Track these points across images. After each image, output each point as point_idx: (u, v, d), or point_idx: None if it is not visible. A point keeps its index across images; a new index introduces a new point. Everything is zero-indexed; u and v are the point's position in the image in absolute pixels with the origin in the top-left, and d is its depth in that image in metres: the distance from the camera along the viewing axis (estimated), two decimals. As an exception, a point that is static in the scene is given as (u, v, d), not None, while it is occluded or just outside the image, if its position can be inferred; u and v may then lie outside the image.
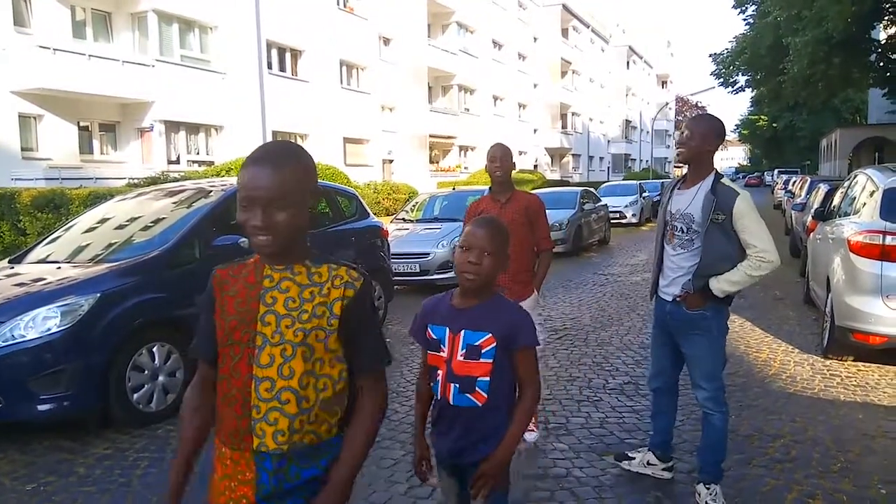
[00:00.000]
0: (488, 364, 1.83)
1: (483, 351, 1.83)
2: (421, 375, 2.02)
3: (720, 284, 2.92)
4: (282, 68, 22.17)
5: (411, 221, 11.07)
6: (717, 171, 3.03)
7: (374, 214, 7.93)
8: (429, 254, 9.24)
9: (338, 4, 24.63)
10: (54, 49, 14.95)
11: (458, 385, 1.85)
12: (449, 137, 31.56)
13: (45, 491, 3.42)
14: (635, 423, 4.14)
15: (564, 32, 46.11)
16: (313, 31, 22.80)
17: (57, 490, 3.42)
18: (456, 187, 13.81)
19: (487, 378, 1.83)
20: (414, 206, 12.12)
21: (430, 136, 29.74)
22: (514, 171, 3.77)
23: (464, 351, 1.84)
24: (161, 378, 4.43)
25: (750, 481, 3.32)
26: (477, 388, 1.84)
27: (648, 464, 3.36)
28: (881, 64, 20.74)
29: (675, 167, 76.88)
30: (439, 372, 1.88)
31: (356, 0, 25.84)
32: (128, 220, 5.70)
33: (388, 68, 27.24)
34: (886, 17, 19.37)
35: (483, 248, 1.83)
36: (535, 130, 42.68)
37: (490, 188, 3.83)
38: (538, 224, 3.66)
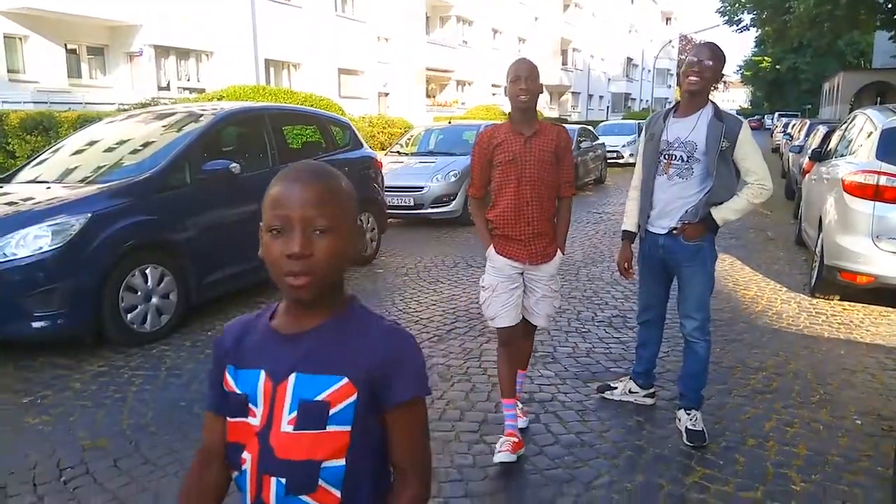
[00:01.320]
0: (342, 435, 1.00)
1: (332, 412, 1.00)
2: (199, 462, 1.15)
3: (724, 213, 2.93)
4: (274, -7, 21.36)
5: (406, 154, 10.95)
6: (712, 100, 2.98)
7: (367, 146, 7.82)
8: (423, 187, 9.18)
9: (333, -74, 23.56)
10: (37, -35, 14.32)
11: (283, 479, 1.01)
12: (446, 71, 30.86)
13: (41, 404, 3.49)
14: (621, 353, 4.22)
15: (568, -36, 44.51)
16: (308, -46, 21.87)
17: (53, 403, 3.49)
18: (452, 121, 13.60)
19: (341, 462, 1.00)
20: (409, 139, 11.96)
21: (427, 69, 29.07)
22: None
23: (293, 414, 1.00)
24: (154, 299, 4.46)
25: (730, 409, 3.42)
26: (321, 483, 1.01)
27: (630, 391, 3.45)
28: (889, 6, 20.22)
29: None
30: (246, 455, 1.04)
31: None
32: (117, 143, 5.61)
33: (382, -4, 26.33)
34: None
35: (310, 220, 0.98)
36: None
37: (510, 116, 2.89)
38: (564, 165, 2.92)
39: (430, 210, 9.14)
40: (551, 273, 2.94)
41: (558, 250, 2.95)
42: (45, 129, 8.36)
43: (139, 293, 4.37)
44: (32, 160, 5.72)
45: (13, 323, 3.98)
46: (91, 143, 5.71)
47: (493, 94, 35.34)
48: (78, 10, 15.23)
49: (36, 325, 4.00)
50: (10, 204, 4.50)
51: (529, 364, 3.97)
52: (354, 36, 24.72)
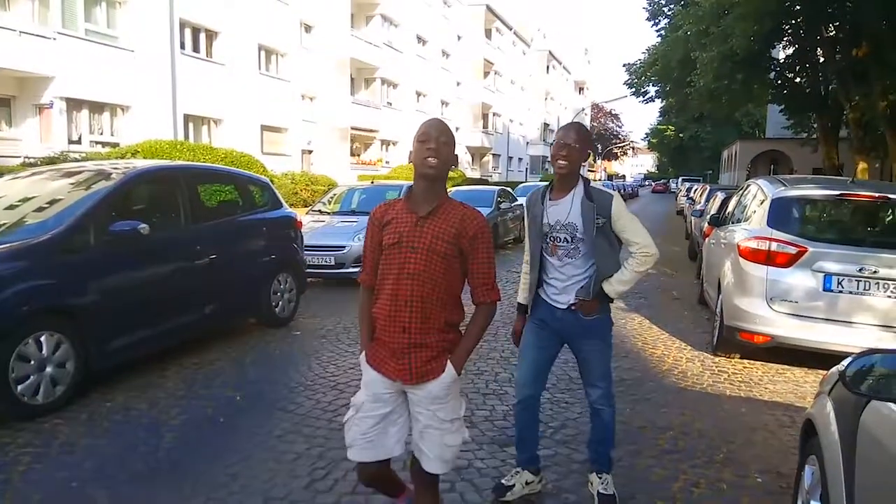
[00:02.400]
0: None
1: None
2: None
3: (615, 287, 2.98)
4: (195, 49, 21.25)
5: (328, 214, 10.92)
6: (582, 175, 3.04)
7: (292, 206, 7.78)
8: (345, 247, 9.15)
9: (258, -13, 23.88)
10: (-61, 12, 13.68)
11: None
12: (371, 131, 31.29)
13: None
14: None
15: (488, 33, 46.71)
16: (230, 12, 21.98)
17: (-75, 489, 3.16)
18: (375, 181, 13.73)
19: None
20: (332, 198, 11.96)
21: (352, 128, 29.39)
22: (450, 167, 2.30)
23: None
24: (49, 369, 4.17)
25: (641, 471, 3.50)
26: None
27: (527, 483, 3.21)
28: (779, 81, 22.28)
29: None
30: None
31: (278, -16, 25.15)
32: (20, 201, 5.32)
33: (309, 56, 26.68)
34: (785, 38, 20.82)
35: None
36: (457, 128, 42.97)
37: (409, 188, 2.36)
38: (475, 260, 2.28)
39: (351, 270, 9.08)
40: (437, 395, 2.26)
41: (448, 365, 2.26)
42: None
43: (32, 362, 4.08)
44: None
45: None
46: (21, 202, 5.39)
47: (417, 154, 35.94)
48: (-18, 60, 14.57)
49: None
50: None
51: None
52: (278, 94, 24.78)
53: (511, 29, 52.04)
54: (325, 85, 27.65)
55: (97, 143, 17.44)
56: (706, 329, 6.82)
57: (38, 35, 15.79)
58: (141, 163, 6.75)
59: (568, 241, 2.97)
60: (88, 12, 17.43)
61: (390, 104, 33.60)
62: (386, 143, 33.86)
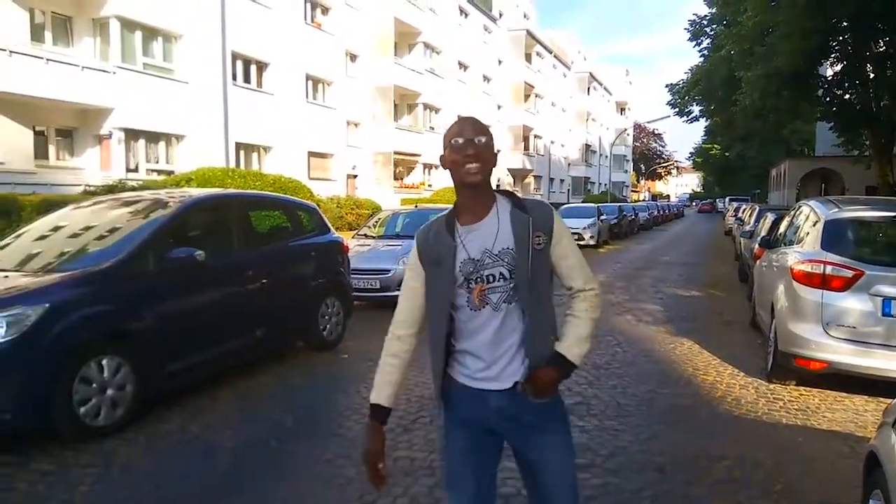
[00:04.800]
0: None
1: None
2: None
3: (579, 349, 1.99)
4: (246, 80, 22.01)
5: (373, 237, 11.07)
6: (501, 188, 2.17)
7: (338, 229, 7.93)
8: (389, 270, 9.25)
9: (305, 19, 24.65)
10: (10, 51, 14.55)
11: None
12: (413, 155, 31.68)
13: (-18, 507, 3.32)
14: (585, 442, 4.22)
15: (528, 57, 46.99)
16: (279, 45, 22.74)
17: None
18: (418, 205, 13.88)
19: None
20: (376, 222, 12.13)
21: (395, 153, 29.82)
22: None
23: None
24: (110, 391, 4.33)
25: (694, 502, 3.42)
26: None
27: None
28: (827, 99, 21.71)
29: (633, 192, 78.42)
30: None
31: (323, 16, 25.92)
32: (81, 229, 5.58)
33: (354, 84, 27.31)
34: (833, 55, 20.33)
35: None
36: (498, 151, 42.92)
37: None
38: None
39: (396, 293, 9.13)
40: None
41: None
42: (6, 213, 8.27)
43: (94, 385, 4.25)
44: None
45: (-42, 419, 3.82)
46: (55, 229, 5.67)
47: (459, 177, 36.27)
48: (49, 94, 15.40)
49: (-18, 421, 3.84)
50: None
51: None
52: (325, 121, 25.41)
53: (551, 52, 52.25)
54: (369, 111, 28.22)
55: (153, 171, 18.15)
56: (759, 354, 6.63)
57: (99, 69, 16.63)
58: (195, 191, 7.01)
59: (505, 279, 1.93)
60: (146, 47, 18.27)
61: (432, 129, 34.00)
62: (428, 166, 34.19)
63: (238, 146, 21.30)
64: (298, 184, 17.69)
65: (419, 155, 32.08)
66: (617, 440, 4.28)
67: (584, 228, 20.71)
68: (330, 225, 7.80)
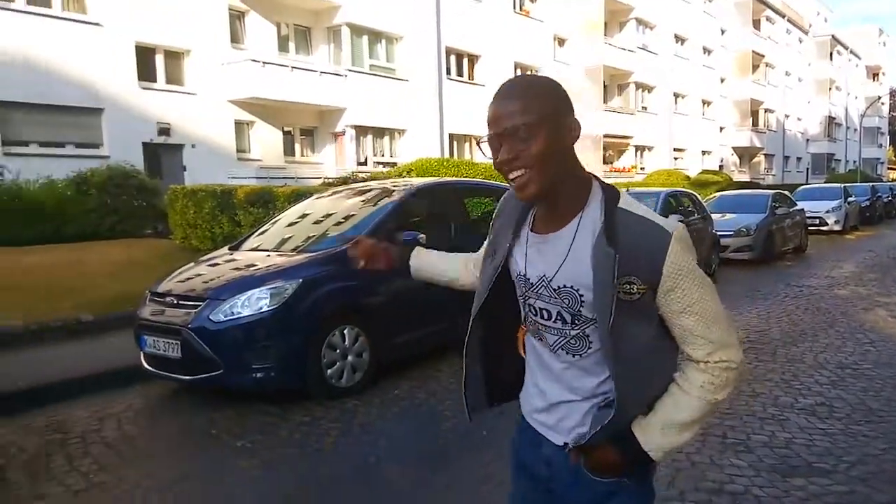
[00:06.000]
0: None
1: None
2: None
3: (663, 438, 1.34)
4: (459, 73, 22.99)
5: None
6: (598, 181, 1.38)
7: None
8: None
9: (514, 8, 25.01)
10: (263, 62, 16.83)
11: None
12: (624, 137, 30.60)
13: (252, 447, 3.94)
14: (828, 446, 3.79)
15: (756, 24, 42.57)
16: (490, 37, 23.36)
17: (263, 448, 3.93)
18: (630, 189, 13.40)
19: None
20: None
21: (605, 135, 29.06)
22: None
23: None
24: (350, 358, 4.88)
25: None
26: None
27: None
28: None
29: (891, 169, 67.77)
30: None
31: (531, 3, 26.04)
32: (323, 216, 6.31)
33: (562, 69, 27.10)
34: None
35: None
36: (721, 129, 39.94)
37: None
38: None
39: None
40: None
41: None
42: (265, 202, 9.61)
43: (337, 351, 4.82)
44: (254, 232, 6.60)
45: (235, 374, 4.57)
46: (302, 217, 6.48)
47: (676, 159, 34.29)
48: (294, 98, 17.55)
49: (253, 376, 4.56)
50: (238, 269, 5.23)
51: (719, 451, 3.72)
52: (533, 108, 25.63)
53: (784, 16, 46.79)
54: (577, 95, 27.80)
55: (379, 163, 19.83)
56: None
57: (333, 73, 18.55)
58: (416, 180, 7.52)
59: (564, 322, 1.37)
60: (372, 50, 19.97)
61: (645, 108, 32.52)
62: (640, 148, 32.81)
63: (452, 137, 22.37)
64: (508, 171, 18.05)
65: (630, 137, 30.91)
66: (866, 447, 3.78)
67: (827, 212, 18.36)
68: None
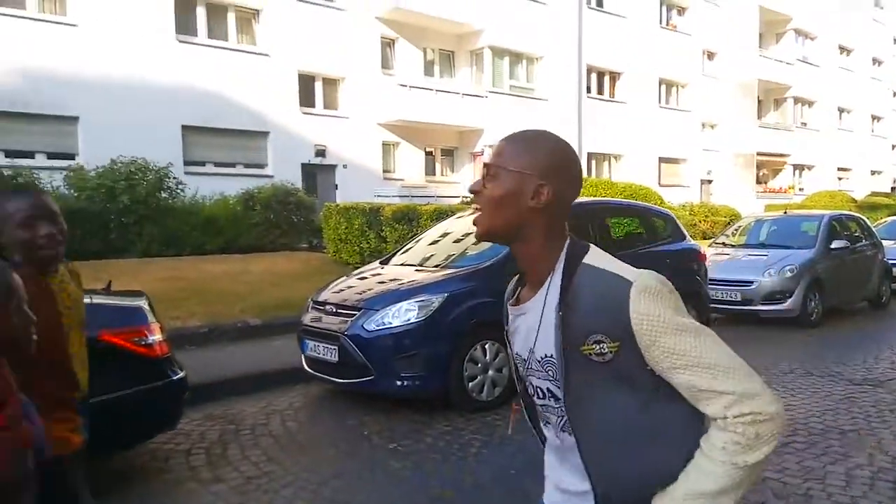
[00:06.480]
0: None
1: None
2: None
3: None
4: (599, 91, 22.73)
5: (732, 246, 10.41)
6: (571, 239, 1.29)
7: (691, 237, 7.73)
8: (753, 282, 8.60)
9: (660, 23, 24.31)
10: (410, 86, 17.72)
11: None
12: (780, 156, 28.56)
13: (401, 451, 4.20)
14: None
15: (942, 27, 38.10)
16: (633, 53, 22.90)
17: (411, 452, 4.18)
18: (788, 210, 12.52)
19: None
20: (736, 229, 11.36)
21: (758, 153, 27.29)
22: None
23: None
24: (490, 372, 5.04)
25: None
26: None
27: None
28: None
29: None
30: None
31: (679, 16, 25.19)
32: (463, 235, 6.54)
33: (711, 84, 25.89)
34: None
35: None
36: (893, 146, 36.06)
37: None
38: None
39: (760, 307, 8.49)
40: None
41: None
42: (409, 220, 10.11)
43: (479, 365, 5.00)
44: (400, 249, 6.98)
45: (385, 380, 4.88)
46: (444, 235, 6.77)
47: (840, 180, 31.48)
48: (437, 120, 18.29)
49: (400, 383, 4.85)
50: (386, 283, 5.59)
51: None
52: (677, 125, 24.68)
53: (977, 17, 41.47)
54: (727, 111, 26.40)
55: (515, 182, 20.06)
56: None
57: (474, 95, 19.10)
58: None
59: (557, 399, 1.29)
60: (512, 71, 20.34)
61: (804, 125, 30.18)
62: (798, 167, 30.46)
63: (590, 156, 22.12)
64: (649, 191, 17.52)
65: (787, 155, 28.81)
66: None
67: None
68: (686, 232, 7.64)
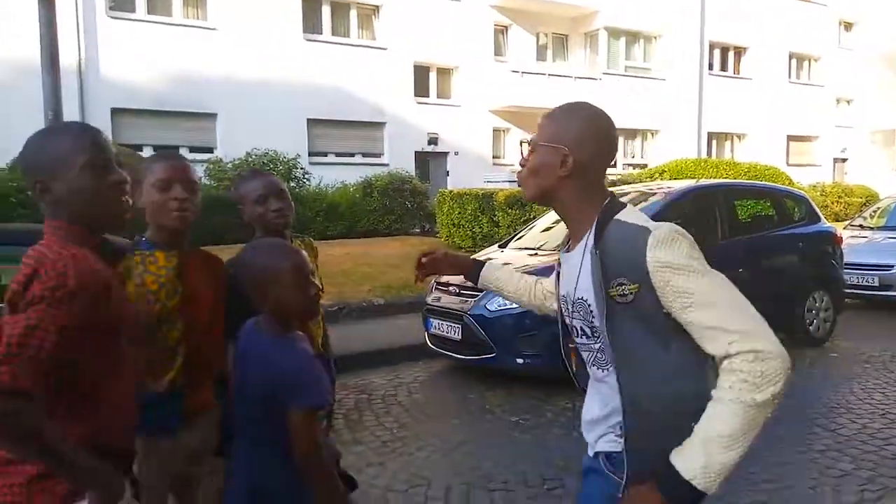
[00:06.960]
0: None
1: None
2: None
3: (704, 458, 1.24)
4: (723, 68, 21.63)
5: (870, 228, 9.71)
6: (611, 197, 1.46)
7: (824, 220, 7.32)
8: (892, 266, 8.03)
9: (791, -8, 22.71)
10: (522, 72, 17.72)
11: None
12: (929, 131, 25.88)
13: (524, 424, 4.40)
14: None
15: None
16: (760, 27, 21.56)
17: (532, 426, 4.37)
18: (937, 191, 11.44)
19: None
20: (875, 211, 10.56)
21: (902, 130, 24.90)
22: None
23: None
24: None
25: None
26: None
27: None
28: None
29: None
30: None
31: (813, -16, 23.40)
32: (553, 222, 6.61)
33: (847, 56, 23.87)
34: None
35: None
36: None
37: None
38: None
39: (900, 294, 7.92)
40: None
41: None
42: (522, 205, 10.24)
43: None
44: (516, 235, 7.13)
45: (505, 357, 5.10)
46: (557, 221, 6.85)
47: None
48: (549, 105, 17.93)
49: (520, 361, 5.04)
50: (506, 265, 5.77)
51: None
52: (808, 100, 23.01)
53: None
54: (866, 85, 24.24)
55: (629, 165, 19.59)
56: None
57: (587, 78, 18.77)
58: (677, 183, 7.43)
59: (588, 337, 1.48)
60: (629, 51, 19.80)
61: (961, 95, 27.07)
62: (952, 143, 27.40)
63: (710, 136, 21.15)
64: (776, 170, 16.53)
65: (938, 130, 26.02)
66: None
67: None
68: (821, 214, 7.26)
